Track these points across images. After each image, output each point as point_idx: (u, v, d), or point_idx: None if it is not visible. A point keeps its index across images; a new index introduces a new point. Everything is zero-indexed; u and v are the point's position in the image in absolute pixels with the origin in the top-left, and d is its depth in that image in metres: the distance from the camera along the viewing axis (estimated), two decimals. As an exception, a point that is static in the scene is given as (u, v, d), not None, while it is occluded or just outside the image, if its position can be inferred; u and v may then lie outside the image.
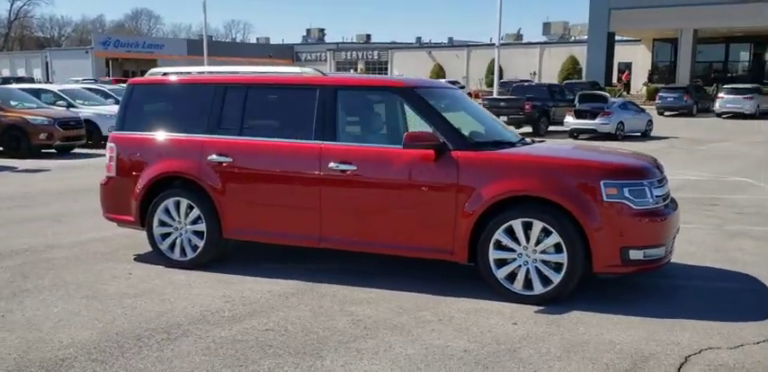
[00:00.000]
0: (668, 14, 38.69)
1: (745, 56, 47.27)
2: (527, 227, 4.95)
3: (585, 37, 54.99)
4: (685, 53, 40.07)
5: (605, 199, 4.81)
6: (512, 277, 5.05)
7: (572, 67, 48.98)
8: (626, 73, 45.01)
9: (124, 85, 22.85)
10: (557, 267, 4.92)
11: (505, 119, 23.10)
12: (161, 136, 6.13)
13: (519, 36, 64.24)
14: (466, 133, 5.50)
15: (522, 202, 4.97)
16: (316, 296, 5.22)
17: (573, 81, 38.05)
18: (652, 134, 22.88)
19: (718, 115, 32.53)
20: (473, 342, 4.24)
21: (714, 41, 44.01)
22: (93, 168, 13.40)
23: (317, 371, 3.83)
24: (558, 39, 55.73)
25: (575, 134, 21.93)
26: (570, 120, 22.25)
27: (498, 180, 5.01)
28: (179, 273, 5.87)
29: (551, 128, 23.98)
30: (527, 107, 22.81)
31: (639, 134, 22.64)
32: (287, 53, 67.46)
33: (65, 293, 5.31)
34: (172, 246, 6.08)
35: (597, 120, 21.60)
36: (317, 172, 5.50)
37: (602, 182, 4.83)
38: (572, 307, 4.88)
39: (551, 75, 49.13)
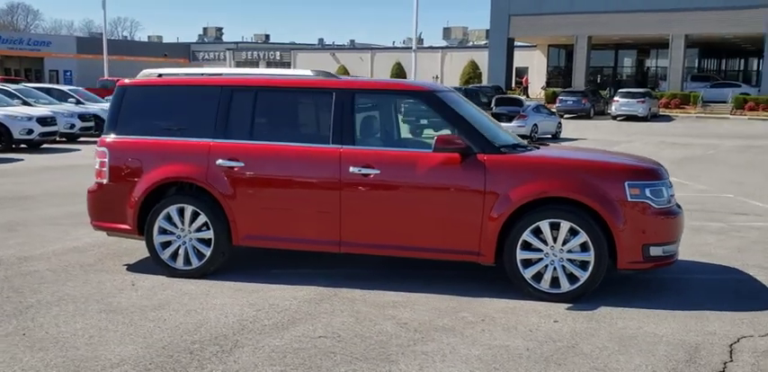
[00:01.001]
0: (565, 22, 40.63)
1: (629, 62, 50.43)
2: (553, 228, 5.14)
3: (484, 42, 56.92)
4: (580, 58, 42.17)
5: (629, 198, 5.07)
6: (538, 276, 5.22)
7: (472, 72, 50.43)
8: (525, 77, 46.86)
9: (9, 85, 21.91)
10: (582, 265, 5.14)
11: (426, 122, 23.59)
12: (161, 139, 5.88)
13: (420, 40, 65.32)
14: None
15: (548, 203, 5.15)
16: (345, 301, 5.18)
17: (477, 85, 39.19)
18: (561, 136, 23.97)
19: (614, 117, 34.54)
20: (529, 341, 4.37)
21: (604, 48, 46.64)
22: (20, 174, 12.60)
23: (395, 376, 3.84)
24: (457, 43, 57.23)
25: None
26: (488, 123, 22.94)
27: (526, 182, 5.17)
28: (186, 283, 5.65)
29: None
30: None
31: (550, 136, 23.66)
32: (183, 52, 65.45)
33: (76, 307, 5.00)
34: (174, 255, 5.85)
35: (513, 123, 22.37)
36: (336, 177, 5.46)
37: (626, 183, 5.09)
38: (598, 304, 5.10)
39: (453, 79, 50.37)
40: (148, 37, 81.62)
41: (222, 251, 5.76)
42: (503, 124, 23.22)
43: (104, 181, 5.99)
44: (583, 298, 5.15)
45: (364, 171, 5.41)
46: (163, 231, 5.86)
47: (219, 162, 5.67)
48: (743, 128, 29.80)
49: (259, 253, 6.44)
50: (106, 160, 5.96)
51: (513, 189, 5.16)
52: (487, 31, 56.89)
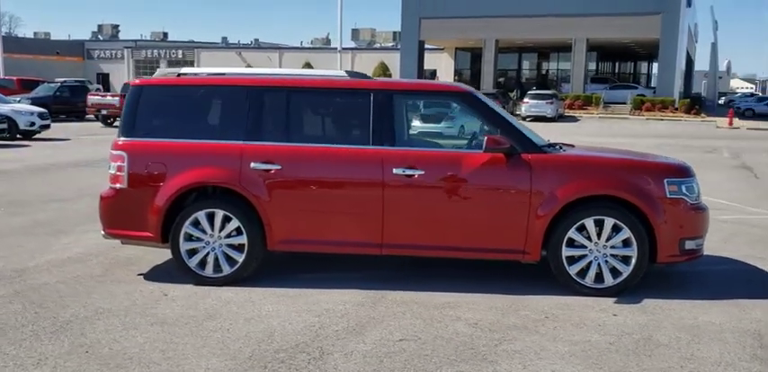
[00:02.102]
0: (474, 25, 41.70)
1: (531, 64, 52.45)
2: (597, 224, 5.31)
3: (392, 44, 57.50)
4: (489, 61, 43.42)
5: (668, 195, 5.32)
6: (581, 272, 5.38)
7: (382, 73, 50.79)
8: (436, 79, 47.73)
9: None
10: (624, 260, 5.34)
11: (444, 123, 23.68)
12: (187, 142, 5.63)
13: (327, 40, 65.28)
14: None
15: (592, 201, 5.32)
16: (398, 303, 5.15)
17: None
18: (486, 136, 24.58)
19: (524, 118, 35.76)
20: (605, 335, 4.50)
21: (508, 51, 48.21)
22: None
23: (503, 375, 3.86)
24: (366, 45, 57.48)
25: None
26: (418, 124, 23.26)
27: (571, 180, 5.32)
28: (221, 291, 5.43)
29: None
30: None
31: (475, 136, 24.24)
32: (76, 50, 62.22)
33: (122, 321, 4.71)
34: (202, 262, 5.61)
35: (443, 124, 22.80)
36: (379, 178, 5.41)
37: (665, 180, 5.34)
38: (640, 296, 5.31)
39: (362, 80, 50.55)
40: (34, 33, 76.97)
41: (256, 256, 5.58)
42: (432, 125, 23.87)
43: (122, 187, 5.66)
44: (625, 292, 5.35)
45: (408, 172, 5.39)
46: (189, 237, 5.61)
47: (254, 165, 5.49)
48: (646, 127, 31.63)
49: (275, 259, 6.26)
50: (124, 164, 5.63)
51: (559, 187, 5.30)
52: (395, 32, 57.62)
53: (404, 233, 5.48)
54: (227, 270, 5.59)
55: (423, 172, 5.39)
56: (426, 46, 46.69)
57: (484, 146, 5.29)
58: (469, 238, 5.45)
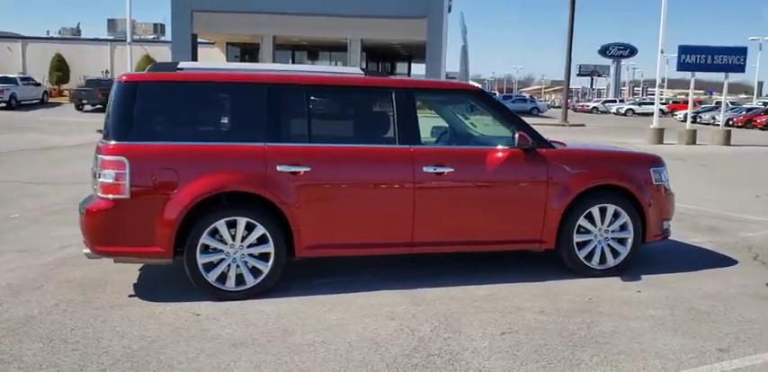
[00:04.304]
0: (251, 21, 41.14)
1: (304, 63, 53.12)
2: (601, 211, 5.84)
3: (152, 36, 54.43)
4: (267, 58, 43.08)
5: (654, 183, 6.01)
6: (588, 256, 5.88)
7: (148, 66, 48.02)
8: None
9: None
10: (621, 242, 5.93)
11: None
12: (201, 145, 5.09)
13: (78, 30, 59.63)
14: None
15: (596, 190, 5.83)
16: (446, 299, 5.20)
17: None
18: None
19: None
20: (657, 309, 5.01)
21: (282, 48, 48.33)
22: None
23: (633, 351, 4.16)
24: (125, 36, 53.53)
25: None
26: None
27: (580, 173, 5.76)
28: (255, 304, 5.04)
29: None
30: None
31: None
32: None
33: (195, 347, 4.19)
34: (222, 276, 5.13)
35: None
36: (410, 177, 5.39)
37: (651, 170, 6.02)
38: (637, 273, 5.94)
39: (126, 75, 47.30)
40: None
41: (282, 264, 5.24)
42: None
43: (121, 198, 4.94)
44: (625, 271, 5.95)
45: (439, 170, 5.44)
46: (205, 249, 5.10)
47: (281, 167, 5.14)
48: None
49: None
50: (125, 172, 4.92)
51: (571, 179, 5.72)
52: (156, 24, 54.74)
53: (433, 230, 5.52)
54: (251, 281, 5.17)
55: (452, 170, 5.47)
56: (200, 40, 45.04)
57: (516, 142, 5.52)
58: (494, 231, 5.66)
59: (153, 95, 5.12)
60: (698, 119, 42.11)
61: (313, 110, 5.34)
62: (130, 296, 5.26)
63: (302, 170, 5.18)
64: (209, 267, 5.11)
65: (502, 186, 5.64)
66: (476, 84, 6.94)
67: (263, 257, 5.20)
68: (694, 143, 23.10)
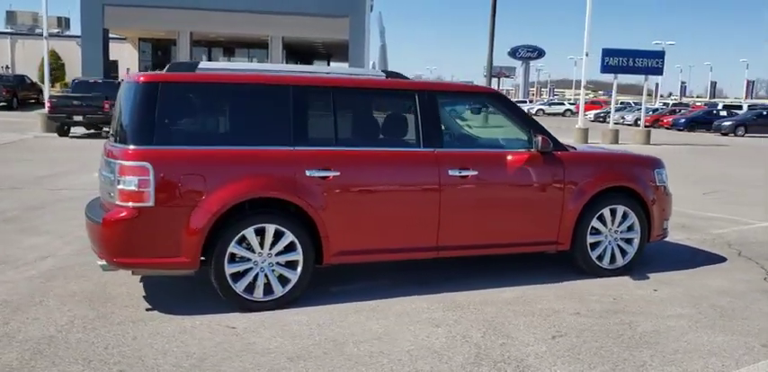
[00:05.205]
0: (167, 16, 39.80)
1: (221, 60, 51.88)
2: (611, 213, 5.97)
3: (57, 30, 51.63)
4: (184, 55, 41.76)
5: (657, 183, 6.20)
6: (599, 257, 5.99)
7: (55, 62, 45.58)
8: (128, 71, 44.31)
9: None
10: (628, 242, 6.09)
11: (81, 118, 21.19)
12: (227, 149, 4.85)
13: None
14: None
15: (606, 192, 5.94)
16: (477, 303, 5.17)
17: (94, 79, 35.71)
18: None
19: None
20: (685, 307, 5.16)
21: (197, 45, 47.01)
22: None
23: (687, 350, 4.26)
24: (27, 30, 50.58)
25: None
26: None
27: (593, 175, 5.86)
28: (285, 314, 4.86)
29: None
30: (107, 106, 21.23)
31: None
32: None
33: (252, 362, 3.99)
34: (250, 286, 4.92)
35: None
36: (435, 180, 5.33)
37: (654, 171, 6.20)
38: (643, 273, 6.10)
39: (29, 70, 44.78)
40: None
41: (310, 272, 5.07)
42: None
43: (145, 206, 4.64)
44: (631, 271, 6.10)
45: (463, 173, 5.41)
46: (233, 258, 4.87)
47: (310, 172, 4.96)
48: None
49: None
50: (149, 178, 4.62)
51: (585, 181, 5.81)
52: (60, 18, 51.93)
53: (458, 234, 5.48)
54: (279, 291, 4.98)
55: (476, 173, 5.45)
56: (111, 35, 43.19)
57: (540, 146, 5.56)
58: (515, 234, 5.69)
59: (175, 97, 4.83)
60: (606, 119, 44.02)
61: (338, 112, 5.19)
62: (147, 309, 4.95)
63: (331, 174, 5.03)
64: (237, 277, 4.89)
65: (522, 188, 5.66)
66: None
67: (291, 265, 5.01)
68: (617, 142, 24.11)
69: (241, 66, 5.31)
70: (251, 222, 4.86)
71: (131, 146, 4.69)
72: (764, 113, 36.51)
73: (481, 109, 6.86)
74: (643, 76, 25.39)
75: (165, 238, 4.70)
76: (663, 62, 24.37)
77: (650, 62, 24.04)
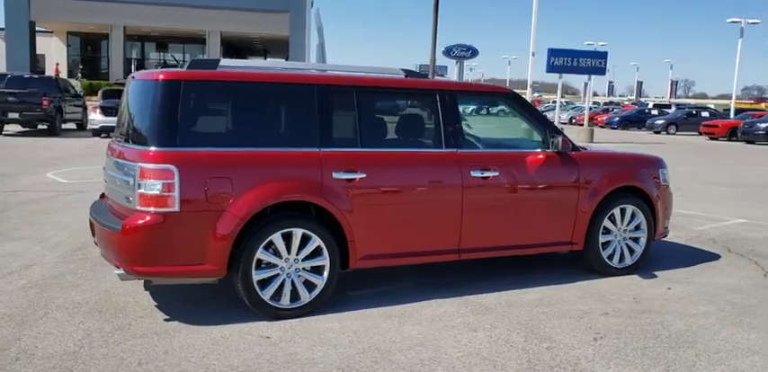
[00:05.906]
0: (98, 8, 38.40)
1: (155, 55, 50.45)
2: (621, 212, 6.02)
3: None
4: (117, 49, 40.54)
5: (662, 183, 6.30)
6: (610, 256, 6.04)
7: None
8: (56, 66, 42.39)
9: None
10: (635, 241, 6.16)
11: (18, 116, 20.17)
12: (254, 151, 4.62)
13: None
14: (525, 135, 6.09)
15: (616, 192, 5.99)
16: (510, 307, 5.10)
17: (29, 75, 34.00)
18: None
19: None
20: (705, 305, 5.24)
21: (130, 39, 45.57)
22: None
23: (728, 349, 4.32)
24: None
25: (103, 133, 20.46)
26: (98, 118, 20.84)
27: (606, 175, 5.89)
28: (316, 321, 4.69)
29: (63, 125, 22.05)
30: (45, 103, 20.25)
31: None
32: None
33: (302, 375, 3.81)
34: (277, 292, 4.72)
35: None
36: (458, 182, 5.24)
37: (660, 170, 6.30)
38: (650, 271, 6.18)
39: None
40: None
41: (336, 277, 4.91)
42: (111, 118, 21.59)
43: (170, 211, 4.38)
44: (638, 269, 6.18)
45: (485, 173, 5.34)
46: (260, 264, 4.66)
47: (336, 174, 4.79)
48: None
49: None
50: (174, 181, 4.36)
51: (598, 181, 5.84)
52: (-19, 10, 49.46)
53: (479, 236, 5.41)
54: (306, 297, 4.79)
55: (497, 174, 5.39)
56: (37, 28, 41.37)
57: (560, 146, 5.54)
58: (533, 235, 5.65)
59: (198, 95, 4.57)
60: (545, 118, 44.90)
61: (364, 112, 5.02)
62: (166, 320, 4.69)
63: (358, 176, 4.87)
64: (263, 284, 4.68)
65: (541, 189, 5.64)
66: None
67: (317, 270, 4.83)
68: (563, 140, 24.62)
69: (261, 63, 5.07)
70: (279, 226, 4.65)
71: (153, 148, 4.41)
72: (693, 112, 38.11)
73: (481, 109, 6.83)
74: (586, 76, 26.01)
75: (189, 245, 4.44)
76: (606, 62, 25.08)
77: (594, 62, 24.69)
